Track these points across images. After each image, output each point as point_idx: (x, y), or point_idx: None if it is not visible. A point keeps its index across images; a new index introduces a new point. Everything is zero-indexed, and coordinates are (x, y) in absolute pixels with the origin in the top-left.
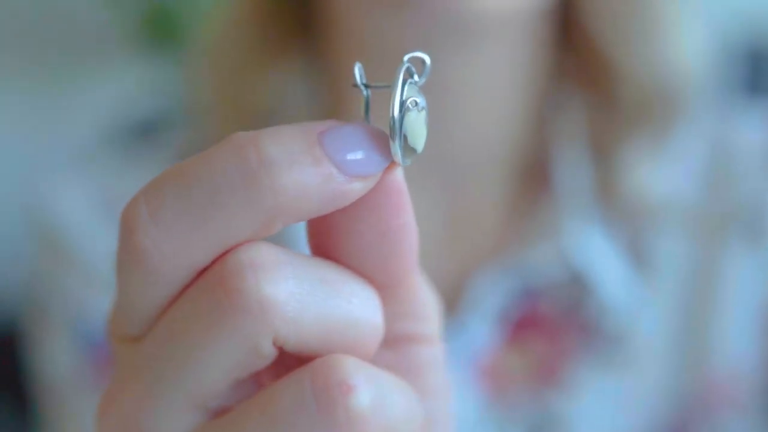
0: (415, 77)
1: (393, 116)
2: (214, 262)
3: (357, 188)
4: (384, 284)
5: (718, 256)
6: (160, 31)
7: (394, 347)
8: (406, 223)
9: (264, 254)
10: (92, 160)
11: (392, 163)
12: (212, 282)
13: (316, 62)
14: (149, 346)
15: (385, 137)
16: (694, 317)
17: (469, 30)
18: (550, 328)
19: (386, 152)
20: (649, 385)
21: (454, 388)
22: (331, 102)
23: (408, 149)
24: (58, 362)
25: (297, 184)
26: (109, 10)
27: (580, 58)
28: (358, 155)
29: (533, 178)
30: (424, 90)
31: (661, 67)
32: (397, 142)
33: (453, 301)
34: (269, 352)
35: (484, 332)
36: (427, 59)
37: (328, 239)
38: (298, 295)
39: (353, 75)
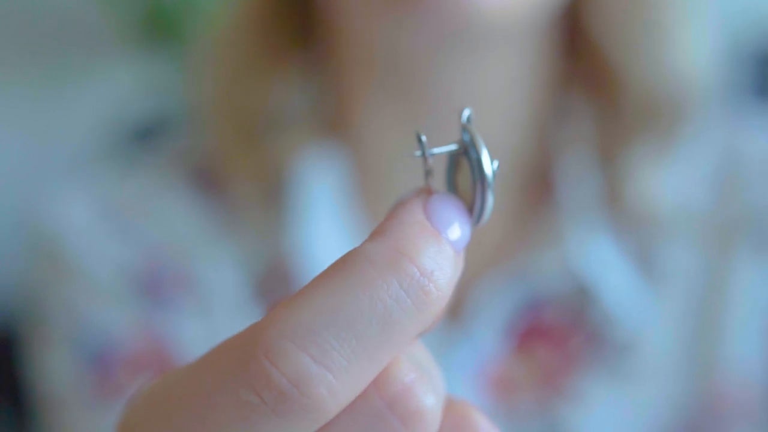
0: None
1: (489, 182)
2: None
3: (463, 261)
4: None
5: (727, 264)
6: (159, 29)
7: None
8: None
9: (413, 366)
10: (90, 166)
11: None
12: (379, 410)
13: (319, 68)
14: None
15: (461, 204)
16: (703, 326)
17: (476, 36)
18: (556, 338)
19: (468, 218)
20: (658, 395)
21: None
22: (333, 108)
23: None
24: (58, 375)
25: (450, 281)
26: (107, 8)
27: (587, 65)
28: (457, 231)
29: (539, 186)
30: (429, 96)
31: (668, 73)
32: (490, 205)
33: (457, 308)
34: None
35: (489, 341)
36: (471, 115)
37: None
38: (440, 388)
39: (418, 145)
